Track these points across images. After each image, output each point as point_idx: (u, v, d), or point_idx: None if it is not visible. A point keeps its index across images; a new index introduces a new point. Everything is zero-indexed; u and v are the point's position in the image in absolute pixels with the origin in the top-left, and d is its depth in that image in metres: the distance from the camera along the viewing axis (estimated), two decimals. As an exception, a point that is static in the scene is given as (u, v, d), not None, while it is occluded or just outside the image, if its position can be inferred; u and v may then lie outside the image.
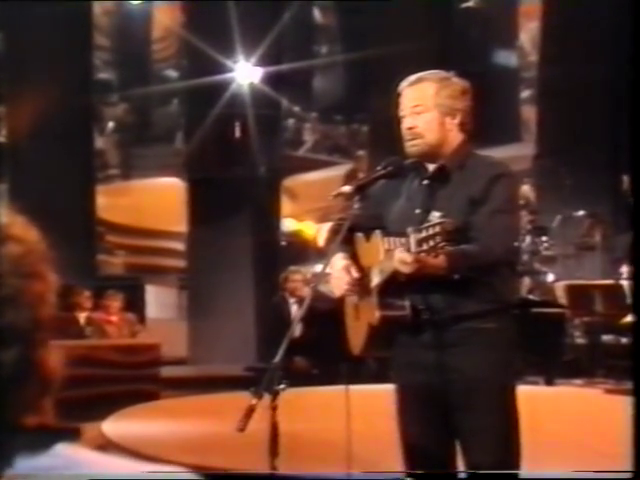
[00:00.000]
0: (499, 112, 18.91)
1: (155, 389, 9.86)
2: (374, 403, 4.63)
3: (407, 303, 3.57)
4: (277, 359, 3.26)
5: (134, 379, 9.64)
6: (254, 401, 3.17)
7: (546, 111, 14.48)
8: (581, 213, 12.41)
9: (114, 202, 18.32)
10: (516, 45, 21.10)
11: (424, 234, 3.24)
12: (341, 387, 3.84)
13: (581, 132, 13.14)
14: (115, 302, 11.56)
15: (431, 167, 3.72)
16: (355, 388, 3.86)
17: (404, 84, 3.75)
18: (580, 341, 11.17)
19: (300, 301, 10.10)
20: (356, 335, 3.75)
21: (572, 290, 11.12)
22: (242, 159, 13.06)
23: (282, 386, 3.22)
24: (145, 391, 9.57)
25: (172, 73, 21.81)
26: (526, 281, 11.82)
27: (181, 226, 14.69)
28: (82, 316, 11.36)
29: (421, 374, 3.61)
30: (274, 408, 3.23)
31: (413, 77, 3.74)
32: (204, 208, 13.38)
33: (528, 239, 11.95)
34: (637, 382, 3.85)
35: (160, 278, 16.86)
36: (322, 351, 9.27)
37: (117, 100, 22.57)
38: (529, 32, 20.07)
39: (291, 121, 22.01)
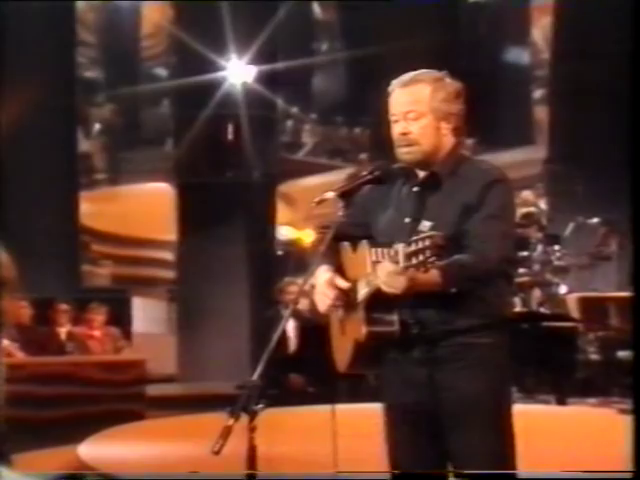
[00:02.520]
0: (510, 113, 19.01)
1: (140, 409, 9.87)
2: (362, 423, 4.64)
3: (395, 318, 3.55)
4: (255, 377, 3.27)
5: (118, 398, 9.66)
6: (230, 422, 3.20)
7: (559, 112, 14.48)
8: (595, 220, 12.39)
9: (100, 209, 18.35)
10: (528, 42, 21.12)
11: (413, 248, 3.23)
12: (327, 407, 3.84)
13: (596, 134, 13.14)
14: (98, 315, 11.56)
15: (421, 173, 3.70)
16: (342, 407, 3.87)
17: (396, 84, 3.70)
18: (594, 357, 11.13)
19: (296, 314, 10.10)
20: (342, 351, 3.73)
21: (586, 303, 11.11)
22: (235, 163, 13.09)
23: (260, 406, 3.23)
24: (129, 411, 9.58)
25: (161, 72, 21.85)
26: (537, 293, 11.81)
27: (171, 234, 14.70)
28: (63, 331, 11.36)
29: (411, 392, 3.61)
30: (252, 429, 3.24)
31: (406, 77, 3.69)
32: (195, 215, 13.40)
33: (539, 248, 11.93)
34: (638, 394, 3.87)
35: (148, 290, 16.86)
36: (319, 368, 9.26)
37: (104, 100, 22.62)
38: (542, 28, 20.08)
39: (289, 123, 22.07)
